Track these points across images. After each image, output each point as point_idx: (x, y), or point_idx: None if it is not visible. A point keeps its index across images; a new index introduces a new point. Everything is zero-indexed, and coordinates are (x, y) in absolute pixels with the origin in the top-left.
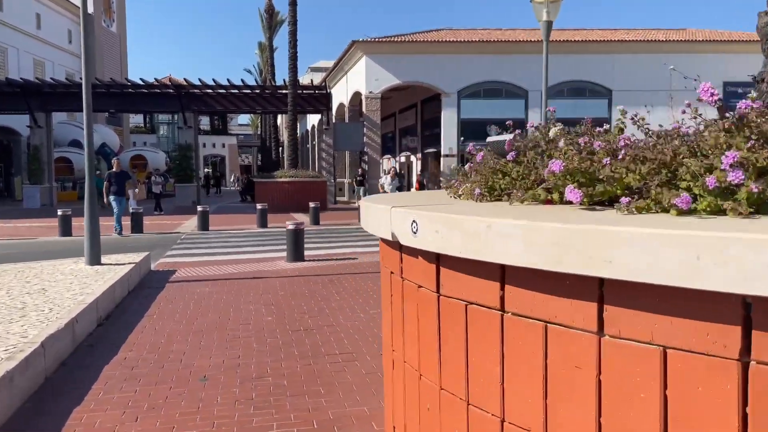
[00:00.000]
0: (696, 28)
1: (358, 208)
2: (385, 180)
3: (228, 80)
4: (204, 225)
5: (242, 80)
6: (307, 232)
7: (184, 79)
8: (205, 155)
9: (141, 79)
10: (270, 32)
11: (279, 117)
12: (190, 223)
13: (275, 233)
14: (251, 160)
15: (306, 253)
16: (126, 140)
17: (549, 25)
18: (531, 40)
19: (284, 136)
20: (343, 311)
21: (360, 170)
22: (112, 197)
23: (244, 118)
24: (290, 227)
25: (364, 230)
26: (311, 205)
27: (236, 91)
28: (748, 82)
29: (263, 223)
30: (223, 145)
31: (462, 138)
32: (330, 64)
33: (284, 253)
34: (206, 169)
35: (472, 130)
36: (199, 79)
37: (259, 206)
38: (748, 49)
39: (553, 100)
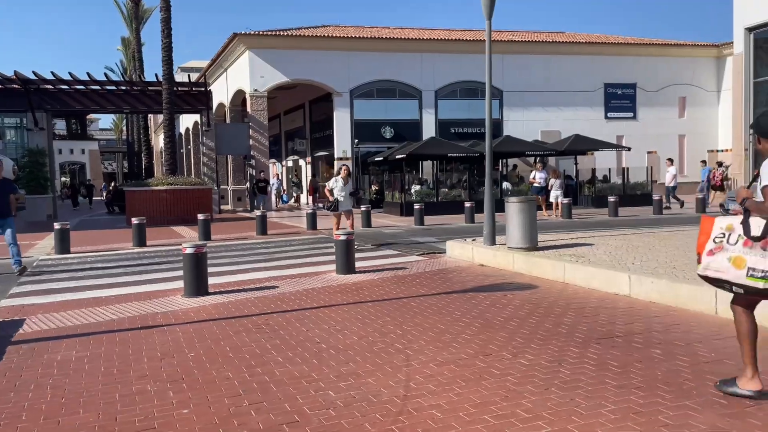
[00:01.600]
0: (576, 32)
1: (251, 218)
2: (335, 184)
3: (88, 74)
4: (64, 246)
5: (105, 74)
6: None
7: (33, 73)
8: (61, 162)
9: None
10: (136, 22)
11: (149, 119)
12: (45, 244)
13: (157, 254)
14: (116, 167)
15: (211, 281)
16: None
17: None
18: (422, 38)
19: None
20: (298, 384)
21: (261, 174)
22: None
23: (106, 122)
24: (188, 250)
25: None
26: (200, 217)
27: (98, 87)
28: (627, 84)
29: (141, 241)
30: (83, 151)
31: (356, 140)
32: (203, 64)
33: (177, 284)
34: (63, 178)
35: (366, 132)
36: (52, 73)
37: (135, 220)
38: (626, 52)
39: (446, 101)
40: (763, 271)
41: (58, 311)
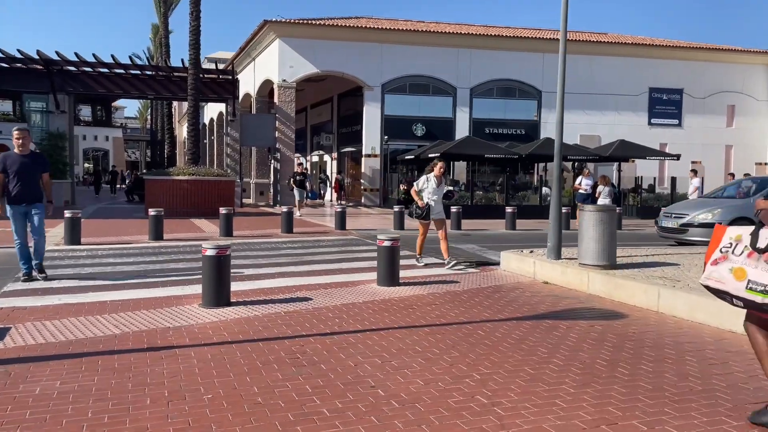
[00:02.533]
0: (620, 33)
1: (274, 213)
2: (427, 185)
3: (113, 57)
4: (74, 237)
5: (131, 58)
6: None
7: (56, 53)
8: (85, 148)
9: (0, 50)
10: (165, 6)
11: (173, 106)
12: (56, 233)
13: (175, 250)
14: (139, 155)
15: (233, 287)
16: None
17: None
18: (459, 33)
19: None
20: None
21: (299, 167)
22: None
23: (131, 110)
24: (209, 252)
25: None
26: (222, 210)
27: (122, 71)
28: (673, 89)
29: (157, 235)
30: (107, 138)
31: (386, 137)
32: (230, 55)
33: (195, 289)
34: (87, 165)
35: (396, 129)
36: (76, 54)
37: (152, 211)
38: (672, 56)
39: (481, 99)
40: (763, 285)
41: (53, 318)
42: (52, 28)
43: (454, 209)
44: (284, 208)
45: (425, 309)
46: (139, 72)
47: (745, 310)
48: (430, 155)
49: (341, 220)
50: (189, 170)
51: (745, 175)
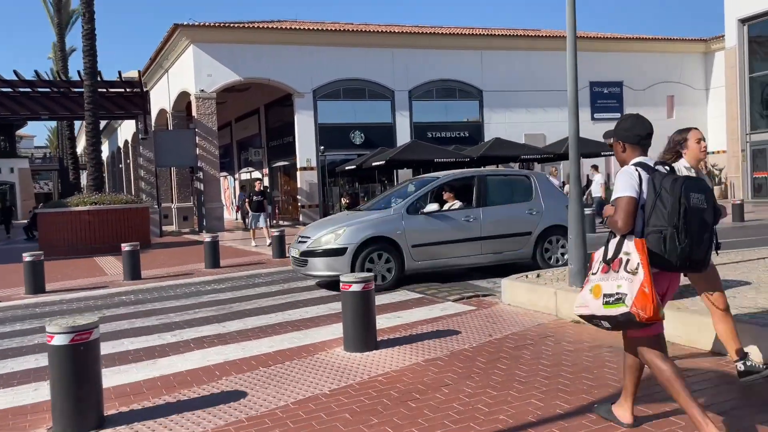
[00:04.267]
0: (559, 30)
1: (199, 242)
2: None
3: None
4: None
5: (15, 72)
6: (122, 302)
7: None
8: None
9: None
10: (59, 16)
11: (75, 128)
12: None
13: (46, 313)
14: (51, 186)
15: (119, 378)
16: None
17: None
18: (393, 32)
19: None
20: None
21: (258, 184)
22: None
23: (41, 139)
24: (57, 340)
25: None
26: (124, 247)
27: (9, 89)
28: (613, 82)
29: (36, 287)
30: (12, 170)
31: (322, 147)
32: None
33: (43, 394)
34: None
35: (333, 138)
36: None
37: (27, 257)
38: (610, 48)
39: (421, 102)
40: (612, 294)
41: None
42: None
43: None
44: (208, 237)
45: (434, 397)
46: (28, 89)
47: None
48: (373, 164)
49: (280, 246)
50: (90, 199)
51: (593, 167)
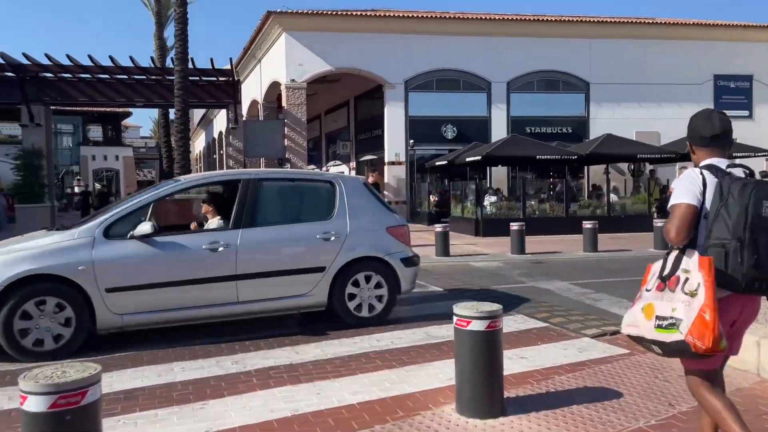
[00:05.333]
0: (676, 17)
1: None
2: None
3: (90, 57)
4: None
5: (111, 57)
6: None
7: (24, 55)
8: (95, 169)
9: None
10: (158, 6)
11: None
12: None
13: None
14: (154, 174)
15: None
16: None
17: None
18: (493, 19)
19: (193, 143)
20: None
21: (373, 177)
22: None
23: (146, 130)
24: None
25: None
26: None
27: (106, 76)
28: (741, 75)
29: None
30: (117, 158)
31: (412, 141)
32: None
33: None
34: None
35: (423, 131)
36: (47, 55)
37: None
38: (740, 37)
39: (520, 94)
40: (666, 318)
41: None
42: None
43: (516, 226)
44: None
45: None
46: (125, 76)
47: None
48: (467, 159)
49: None
50: None
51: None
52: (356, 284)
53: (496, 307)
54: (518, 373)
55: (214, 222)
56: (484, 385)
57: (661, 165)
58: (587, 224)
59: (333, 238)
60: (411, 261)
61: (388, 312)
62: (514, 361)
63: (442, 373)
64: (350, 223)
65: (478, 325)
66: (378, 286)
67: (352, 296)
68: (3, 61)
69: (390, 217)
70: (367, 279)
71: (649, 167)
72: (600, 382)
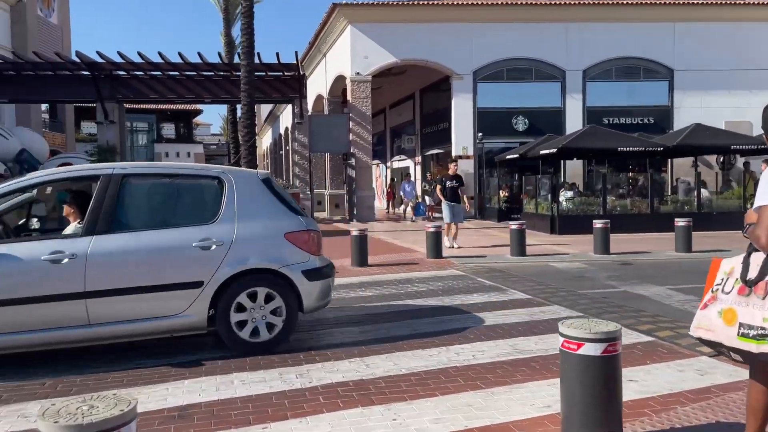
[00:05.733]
0: None
1: (348, 232)
2: None
3: (161, 55)
4: None
5: (180, 54)
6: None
7: (98, 53)
8: None
9: (34, 52)
10: (226, 3)
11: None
12: None
13: None
14: None
15: None
16: (71, 148)
17: None
18: (567, 3)
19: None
20: None
21: (453, 169)
22: None
23: (216, 128)
24: None
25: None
26: None
27: (176, 73)
28: None
29: None
30: (189, 155)
31: (480, 134)
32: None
33: None
34: None
35: (492, 124)
36: (119, 53)
37: None
38: None
39: (597, 83)
40: (756, 327)
41: None
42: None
43: (600, 223)
44: (355, 230)
45: None
46: (193, 72)
47: None
48: (541, 152)
49: (435, 243)
50: None
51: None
52: (246, 302)
53: (612, 327)
54: (630, 401)
55: (71, 227)
56: (597, 421)
57: (753, 157)
58: (680, 221)
59: (214, 247)
60: (317, 273)
61: (287, 336)
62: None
63: (537, 399)
64: (238, 228)
65: (591, 349)
66: (272, 304)
67: (240, 318)
68: (78, 60)
69: (291, 221)
70: (258, 296)
71: (741, 160)
72: (735, 416)
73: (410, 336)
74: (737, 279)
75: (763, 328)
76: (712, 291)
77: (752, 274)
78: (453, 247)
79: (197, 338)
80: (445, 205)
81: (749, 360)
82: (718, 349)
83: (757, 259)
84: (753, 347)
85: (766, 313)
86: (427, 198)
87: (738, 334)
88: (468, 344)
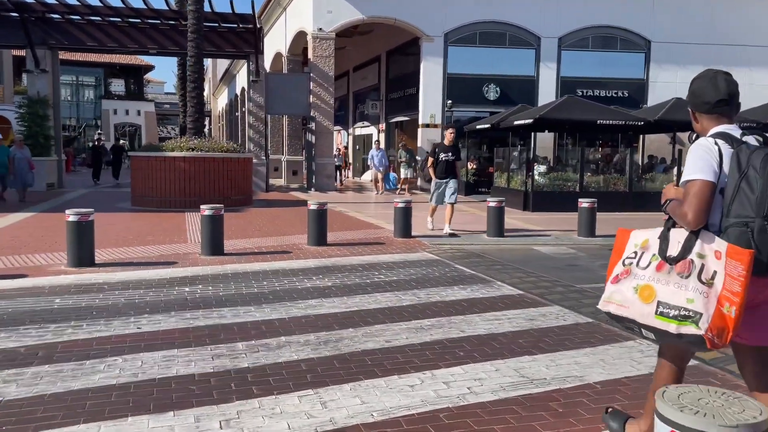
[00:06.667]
0: None
1: (305, 202)
2: None
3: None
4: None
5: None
6: (177, 300)
7: None
8: (116, 124)
9: None
10: None
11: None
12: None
13: (84, 302)
14: (178, 131)
15: None
16: (9, 100)
17: None
18: None
19: (214, 100)
20: None
21: (450, 137)
22: None
23: (170, 85)
24: None
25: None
26: (204, 211)
27: (118, 19)
28: None
29: (81, 258)
30: (139, 113)
31: (450, 101)
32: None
33: None
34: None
35: (462, 91)
36: None
37: (70, 216)
38: None
39: (572, 52)
40: (677, 308)
41: None
42: None
43: (586, 203)
44: (313, 204)
45: None
46: (138, 20)
47: None
48: (515, 123)
49: (404, 220)
50: (188, 144)
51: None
52: None
53: (760, 414)
54: None
55: None
56: None
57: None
58: None
59: None
60: None
61: None
62: None
63: None
64: None
65: None
66: None
67: None
68: (5, 0)
69: None
70: None
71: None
72: None
73: (381, 350)
74: (654, 254)
75: (686, 309)
76: (624, 264)
77: (672, 251)
78: (445, 233)
79: None
80: (434, 184)
81: (661, 338)
82: (627, 325)
83: (677, 236)
84: (672, 327)
85: (689, 293)
86: (402, 170)
87: (656, 313)
88: (459, 366)
